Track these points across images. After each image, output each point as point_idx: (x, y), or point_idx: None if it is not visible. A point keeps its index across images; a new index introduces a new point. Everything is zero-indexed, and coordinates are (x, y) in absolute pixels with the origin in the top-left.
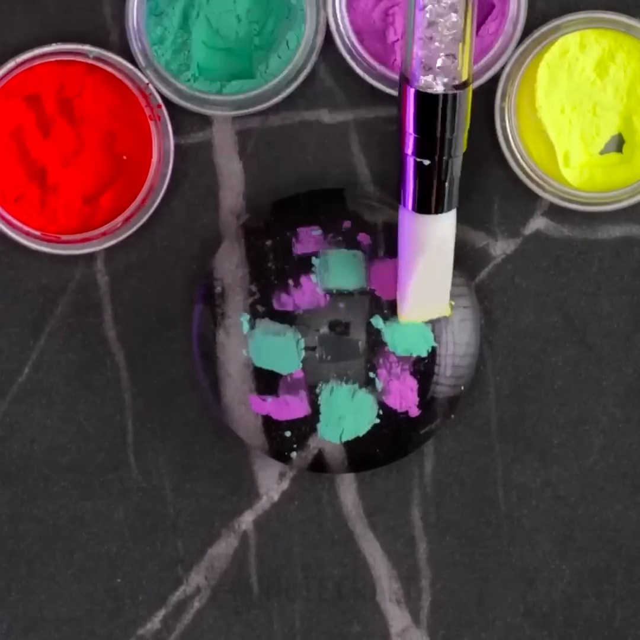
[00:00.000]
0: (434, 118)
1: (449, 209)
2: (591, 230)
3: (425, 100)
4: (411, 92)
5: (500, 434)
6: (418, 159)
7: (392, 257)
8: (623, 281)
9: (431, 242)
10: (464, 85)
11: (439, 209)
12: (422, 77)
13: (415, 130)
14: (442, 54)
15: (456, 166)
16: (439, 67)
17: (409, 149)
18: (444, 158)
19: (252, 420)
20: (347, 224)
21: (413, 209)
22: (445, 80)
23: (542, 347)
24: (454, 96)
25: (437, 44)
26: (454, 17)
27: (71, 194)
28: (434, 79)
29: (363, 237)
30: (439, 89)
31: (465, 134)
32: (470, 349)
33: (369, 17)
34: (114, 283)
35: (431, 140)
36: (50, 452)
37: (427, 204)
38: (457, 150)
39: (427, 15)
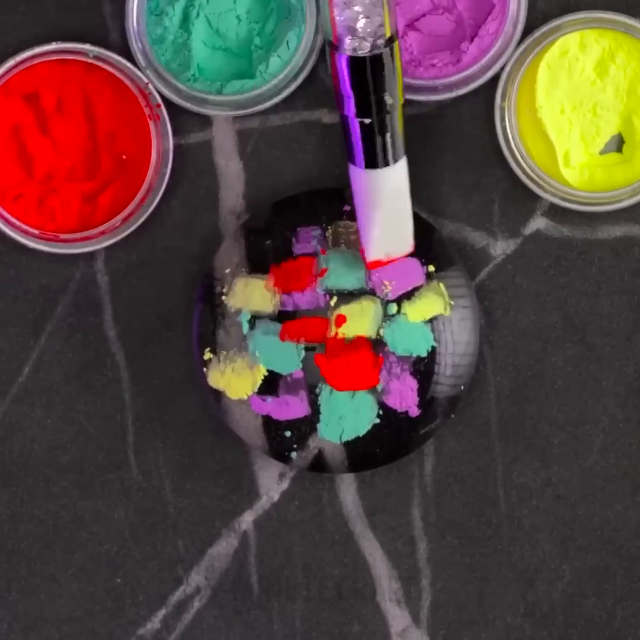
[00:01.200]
0: (366, 79)
1: (396, 161)
2: (591, 230)
3: (355, 63)
4: (340, 58)
5: (500, 434)
6: (358, 119)
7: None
8: (623, 281)
9: (384, 193)
10: (389, 41)
11: (386, 162)
12: (347, 41)
13: (352, 93)
14: (362, 16)
15: (395, 120)
16: (362, 29)
17: (350, 110)
18: (383, 114)
19: (252, 420)
20: None
21: (362, 166)
22: (371, 40)
23: (542, 347)
24: (382, 55)
25: (357, 7)
26: None
27: (70, 192)
28: (360, 42)
29: None
30: (365, 50)
31: (400, 87)
32: (470, 348)
33: None
34: (114, 283)
35: (367, 100)
36: (50, 452)
37: (374, 160)
38: (393, 105)
39: None
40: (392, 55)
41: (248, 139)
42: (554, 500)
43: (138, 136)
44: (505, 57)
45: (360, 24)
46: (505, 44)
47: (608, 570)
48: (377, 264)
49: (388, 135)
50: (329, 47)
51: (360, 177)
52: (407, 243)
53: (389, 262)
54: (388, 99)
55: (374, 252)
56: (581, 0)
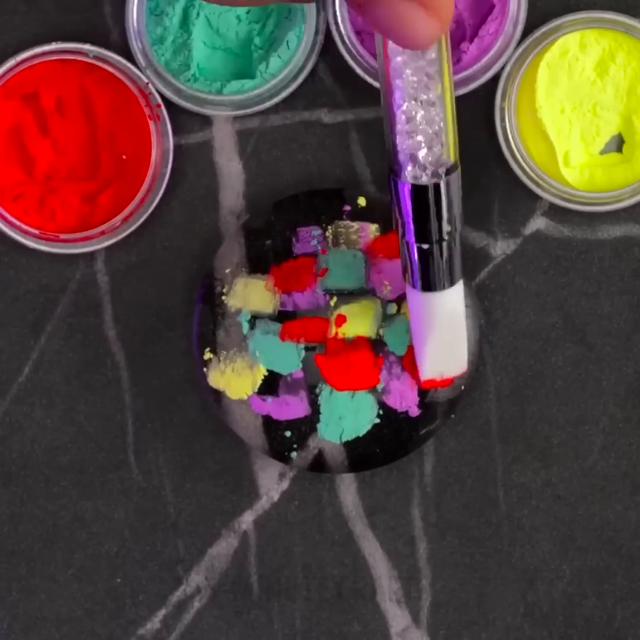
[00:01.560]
0: (426, 207)
1: (453, 284)
2: (591, 230)
3: (416, 191)
4: (402, 186)
5: (500, 434)
6: (417, 244)
7: (391, 258)
8: (623, 281)
9: (440, 315)
10: (453, 168)
11: (442, 286)
12: (409, 169)
13: (411, 219)
14: (424, 146)
15: (452, 245)
16: (423, 158)
17: (410, 236)
18: (441, 241)
19: (252, 420)
20: None
21: (419, 288)
22: (432, 168)
23: (542, 347)
24: (445, 182)
25: (419, 137)
26: (432, 111)
27: (70, 192)
28: (421, 170)
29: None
30: (426, 179)
31: (459, 215)
32: (470, 348)
33: None
34: (114, 283)
35: (426, 226)
36: (50, 452)
37: (431, 283)
38: (451, 232)
39: (405, 113)
40: (453, 183)
41: (248, 139)
42: (554, 500)
43: (138, 136)
44: (505, 57)
45: (422, 153)
46: (505, 44)
47: (608, 570)
48: (431, 383)
49: (445, 260)
50: (389, 173)
51: (417, 299)
52: (461, 362)
53: (443, 382)
54: (446, 226)
55: (429, 372)
56: (581, 0)
